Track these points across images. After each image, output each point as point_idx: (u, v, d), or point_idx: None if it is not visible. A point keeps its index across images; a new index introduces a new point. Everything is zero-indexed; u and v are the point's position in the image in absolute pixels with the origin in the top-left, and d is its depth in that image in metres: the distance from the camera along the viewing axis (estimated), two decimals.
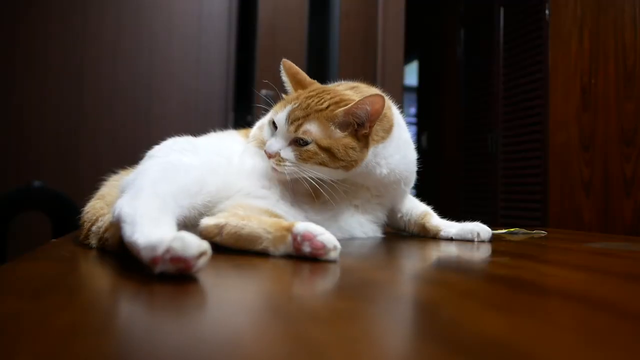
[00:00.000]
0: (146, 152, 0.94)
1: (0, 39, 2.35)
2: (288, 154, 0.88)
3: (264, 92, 2.47)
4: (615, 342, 0.36)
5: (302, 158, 0.87)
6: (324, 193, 0.89)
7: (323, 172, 0.88)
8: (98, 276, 0.64)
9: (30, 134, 2.38)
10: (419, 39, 4.32)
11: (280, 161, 0.88)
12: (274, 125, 0.91)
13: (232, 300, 0.49)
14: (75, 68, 2.45)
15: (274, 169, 0.89)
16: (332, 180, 0.90)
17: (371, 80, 2.65)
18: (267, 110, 0.98)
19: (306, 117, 0.88)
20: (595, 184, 2.41)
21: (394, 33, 2.70)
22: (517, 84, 3.03)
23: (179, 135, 0.97)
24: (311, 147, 0.87)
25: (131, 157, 1.00)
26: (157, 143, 0.95)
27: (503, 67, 3.16)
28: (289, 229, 0.70)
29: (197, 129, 1.12)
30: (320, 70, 2.70)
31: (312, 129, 0.87)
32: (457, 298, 0.51)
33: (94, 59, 2.48)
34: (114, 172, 0.98)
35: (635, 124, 2.21)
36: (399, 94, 2.65)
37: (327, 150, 0.87)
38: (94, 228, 0.79)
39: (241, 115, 2.65)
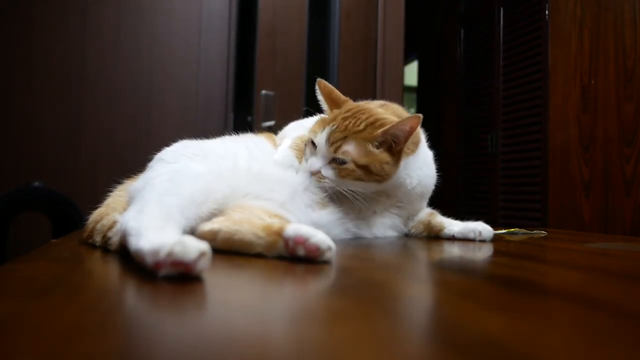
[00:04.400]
0: (145, 151, 0.94)
1: (0, 39, 2.35)
2: (328, 172, 0.97)
3: (264, 92, 2.47)
4: (614, 342, 0.36)
5: (341, 175, 0.96)
6: (357, 199, 0.97)
7: (358, 185, 0.97)
8: (98, 276, 0.65)
9: (30, 134, 2.38)
10: (419, 39, 4.32)
11: (321, 178, 0.97)
12: (313, 145, 0.99)
13: (232, 300, 0.49)
14: (75, 68, 2.45)
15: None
16: (362, 192, 0.97)
17: (371, 81, 2.66)
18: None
19: (345, 139, 0.96)
20: (595, 184, 2.41)
21: (394, 33, 2.69)
22: (517, 83, 3.03)
23: (178, 137, 0.97)
24: (349, 165, 0.95)
25: (131, 157, 1.00)
26: (157, 143, 0.95)
27: (503, 67, 3.16)
28: (279, 233, 0.70)
29: (197, 130, 1.12)
30: (321, 70, 2.69)
31: (350, 149, 0.95)
32: (457, 298, 0.51)
33: (94, 59, 2.48)
34: (119, 183, 0.98)
35: (635, 124, 2.21)
36: (399, 94, 2.64)
37: (363, 167, 0.95)
38: (98, 226, 0.79)
39: (241, 116, 2.65)
